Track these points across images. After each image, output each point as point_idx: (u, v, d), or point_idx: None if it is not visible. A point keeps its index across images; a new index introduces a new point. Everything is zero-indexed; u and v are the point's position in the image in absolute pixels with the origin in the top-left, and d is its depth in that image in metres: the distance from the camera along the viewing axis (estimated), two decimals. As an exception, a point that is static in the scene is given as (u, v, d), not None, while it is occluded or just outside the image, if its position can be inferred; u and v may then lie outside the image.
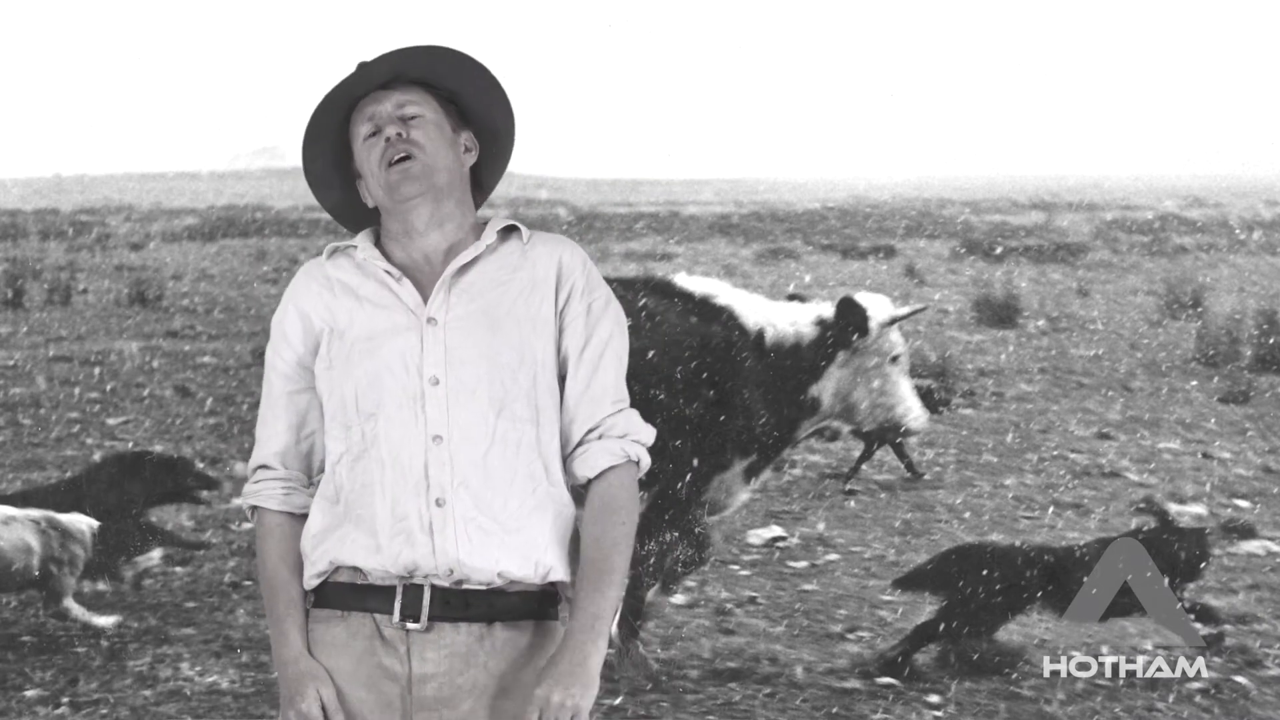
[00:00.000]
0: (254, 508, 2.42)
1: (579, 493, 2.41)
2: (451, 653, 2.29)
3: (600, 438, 2.37)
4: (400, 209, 2.37)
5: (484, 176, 2.51)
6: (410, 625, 2.28)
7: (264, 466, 2.42)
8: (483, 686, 2.29)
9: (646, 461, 2.40)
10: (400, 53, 2.38)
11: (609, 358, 2.39)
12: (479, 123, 2.47)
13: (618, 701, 4.80)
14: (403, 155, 2.35)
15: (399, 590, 2.28)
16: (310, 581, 2.35)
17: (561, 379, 2.38)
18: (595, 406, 2.37)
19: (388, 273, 2.37)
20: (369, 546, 2.28)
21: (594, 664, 2.27)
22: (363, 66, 2.37)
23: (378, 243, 2.44)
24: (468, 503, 2.28)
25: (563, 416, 2.38)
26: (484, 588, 2.29)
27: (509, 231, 2.43)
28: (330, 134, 2.43)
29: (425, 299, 2.35)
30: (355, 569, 2.31)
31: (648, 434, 2.40)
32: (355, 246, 2.42)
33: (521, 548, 2.30)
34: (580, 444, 2.38)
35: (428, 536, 2.27)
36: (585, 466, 2.37)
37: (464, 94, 2.44)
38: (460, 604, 2.28)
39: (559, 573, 2.34)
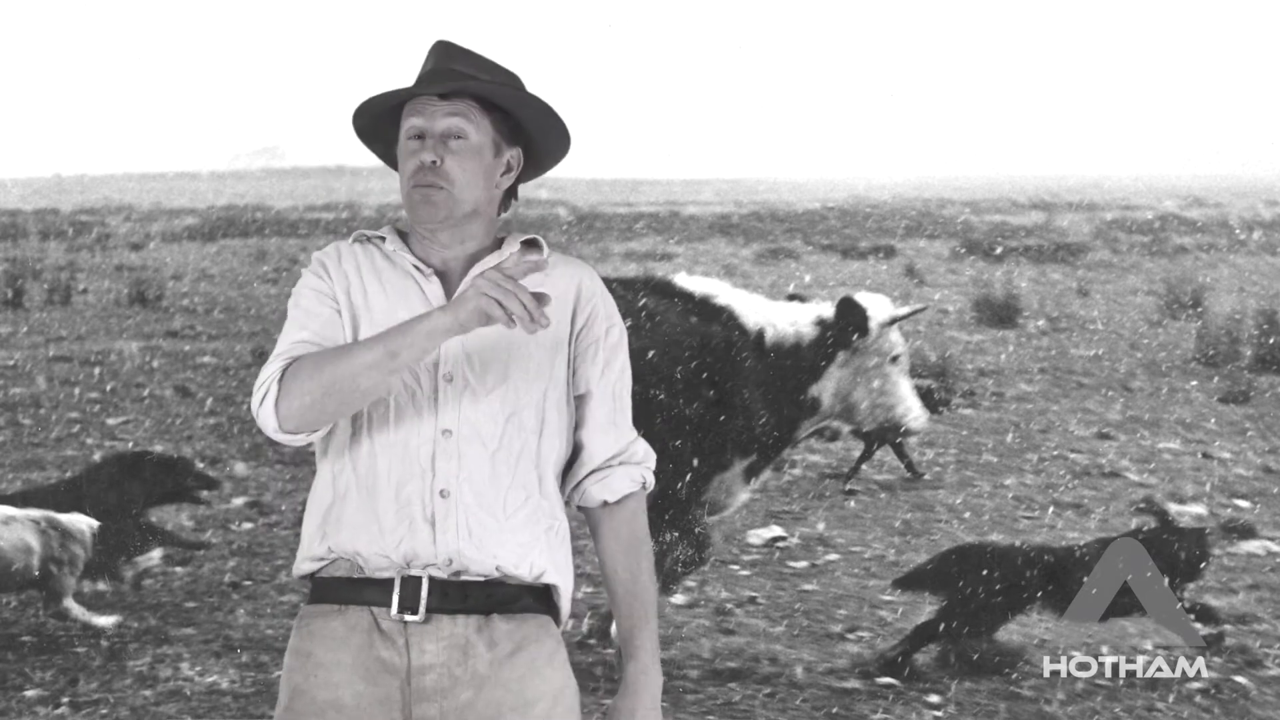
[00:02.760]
0: (284, 367, 2.28)
1: (574, 509, 2.46)
2: (450, 644, 2.30)
3: (622, 464, 2.44)
4: (418, 227, 2.40)
5: (517, 185, 2.49)
6: (409, 617, 2.30)
7: (304, 341, 2.32)
8: (482, 677, 2.31)
9: (653, 483, 2.49)
10: (471, 79, 2.35)
11: (627, 386, 2.47)
12: (532, 143, 2.45)
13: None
14: (429, 184, 2.35)
15: (396, 582, 2.30)
16: (306, 566, 2.37)
17: (574, 400, 2.42)
18: (619, 433, 2.44)
19: (417, 268, 2.39)
20: (371, 532, 2.30)
21: (658, 698, 2.39)
22: (433, 73, 2.35)
23: (403, 238, 2.46)
24: (470, 497, 2.31)
25: (582, 439, 2.43)
26: (482, 579, 2.31)
27: (529, 246, 2.46)
28: (385, 104, 2.40)
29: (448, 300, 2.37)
30: (352, 563, 2.32)
31: (654, 458, 2.50)
32: (383, 238, 2.44)
33: (516, 548, 2.33)
34: (601, 468, 2.43)
35: (429, 526, 2.29)
36: (606, 490, 2.43)
37: (524, 118, 2.41)
38: (458, 595, 2.31)
39: (551, 576, 2.37)
